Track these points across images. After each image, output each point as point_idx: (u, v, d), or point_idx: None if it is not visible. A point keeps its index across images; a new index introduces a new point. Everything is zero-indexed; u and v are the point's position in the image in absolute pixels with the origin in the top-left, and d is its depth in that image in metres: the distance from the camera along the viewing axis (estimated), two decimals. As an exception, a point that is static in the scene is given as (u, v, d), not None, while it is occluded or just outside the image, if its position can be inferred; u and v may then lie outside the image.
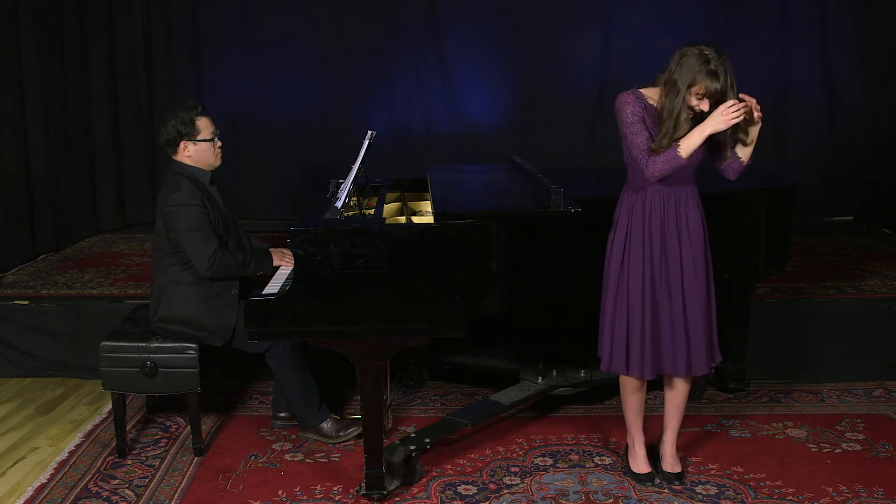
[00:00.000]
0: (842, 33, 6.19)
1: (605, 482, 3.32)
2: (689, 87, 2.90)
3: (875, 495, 3.21)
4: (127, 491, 3.29)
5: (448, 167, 4.56)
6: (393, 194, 4.05)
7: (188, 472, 3.43)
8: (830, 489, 3.25)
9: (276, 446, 3.64)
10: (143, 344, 3.46)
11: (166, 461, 3.52)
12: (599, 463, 3.47)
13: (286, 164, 6.39)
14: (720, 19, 6.17)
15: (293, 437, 3.70)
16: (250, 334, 3.06)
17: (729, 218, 3.64)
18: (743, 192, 3.76)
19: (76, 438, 3.75)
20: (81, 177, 5.96)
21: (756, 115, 2.98)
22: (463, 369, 4.17)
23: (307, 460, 3.51)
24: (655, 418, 3.48)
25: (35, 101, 5.43)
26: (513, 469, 3.43)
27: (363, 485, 3.21)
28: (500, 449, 3.60)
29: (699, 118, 2.96)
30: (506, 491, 3.26)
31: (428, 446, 3.39)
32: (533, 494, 3.23)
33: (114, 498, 3.24)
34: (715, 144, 3.05)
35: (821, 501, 3.17)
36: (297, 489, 3.28)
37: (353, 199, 3.54)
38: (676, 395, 3.29)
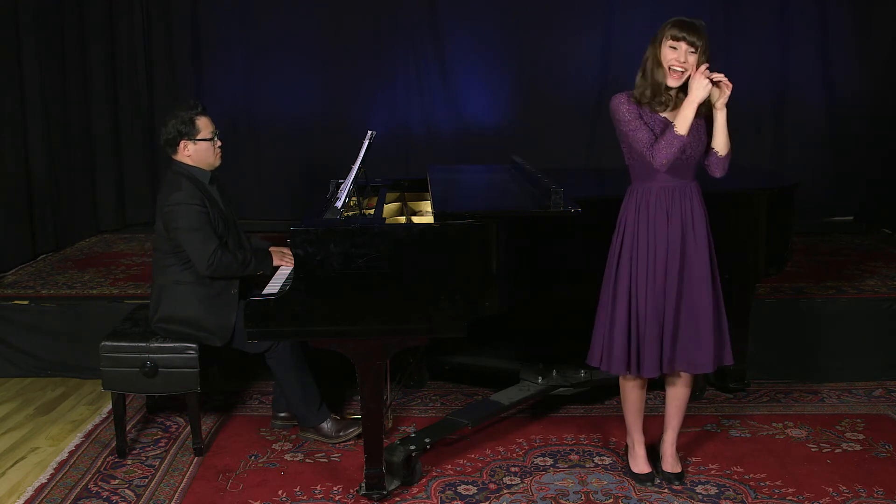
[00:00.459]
0: (842, 33, 6.19)
1: (605, 482, 3.32)
2: (663, 38, 2.96)
3: (875, 495, 3.21)
4: (127, 491, 3.29)
5: (448, 167, 4.56)
6: (393, 194, 4.05)
7: (188, 472, 3.43)
8: (830, 489, 3.25)
9: (276, 446, 3.64)
10: (143, 344, 3.46)
11: (166, 461, 3.52)
12: (599, 463, 3.47)
13: (286, 164, 6.39)
14: (720, 19, 6.17)
15: (293, 437, 3.70)
16: (250, 334, 3.06)
17: (729, 218, 3.64)
18: (743, 192, 3.76)
19: (76, 438, 3.75)
20: (81, 177, 5.96)
21: (723, 99, 2.97)
22: (463, 369, 4.17)
23: (307, 460, 3.51)
24: (655, 418, 3.48)
25: (35, 101, 5.43)
26: (513, 469, 3.43)
27: (363, 485, 3.21)
28: (500, 449, 3.60)
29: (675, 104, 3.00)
30: (506, 491, 3.26)
31: (428, 446, 3.39)
32: (533, 494, 3.23)
33: (114, 498, 3.24)
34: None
35: (821, 501, 3.17)
36: (297, 489, 3.28)
37: (353, 199, 3.54)
38: (677, 396, 3.28)
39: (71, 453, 3.60)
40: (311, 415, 3.61)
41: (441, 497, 3.22)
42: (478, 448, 3.60)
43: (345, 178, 3.56)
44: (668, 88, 2.99)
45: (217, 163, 3.56)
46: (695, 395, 3.92)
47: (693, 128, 3.00)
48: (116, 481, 3.37)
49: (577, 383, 3.83)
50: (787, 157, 6.29)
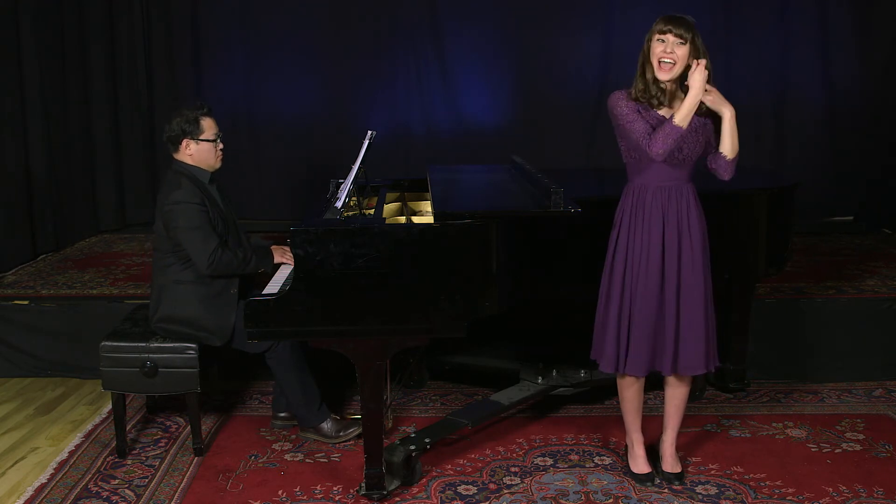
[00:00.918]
0: (842, 33, 6.19)
1: (605, 482, 3.32)
2: (652, 34, 2.99)
3: (875, 495, 3.21)
4: (127, 491, 3.29)
5: (448, 167, 4.55)
6: (393, 194, 4.05)
7: (188, 472, 3.42)
8: (830, 489, 3.25)
9: (276, 446, 3.64)
10: (143, 344, 3.46)
11: (166, 461, 3.52)
12: (599, 463, 3.47)
13: (286, 164, 6.39)
14: (720, 19, 6.17)
15: (293, 437, 3.70)
16: (250, 334, 3.06)
17: (729, 218, 3.65)
18: (743, 192, 3.76)
19: (76, 438, 3.75)
20: (81, 177, 5.96)
21: (717, 101, 3.00)
22: (463, 369, 4.17)
23: (307, 460, 3.51)
24: (655, 418, 3.48)
25: (35, 101, 5.43)
26: (513, 469, 3.43)
27: (363, 485, 3.21)
28: (500, 449, 3.60)
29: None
30: (506, 491, 3.26)
31: (428, 446, 3.39)
32: (533, 494, 3.23)
33: (114, 498, 3.24)
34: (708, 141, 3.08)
35: (821, 501, 3.17)
36: (297, 489, 3.28)
37: (353, 199, 3.54)
38: (676, 396, 3.28)
39: (71, 453, 3.60)
40: (311, 415, 3.61)
41: (441, 497, 3.22)
42: (478, 448, 3.60)
43: (345, 178, 3.56)
44: (659, 82, 3.00)
45: (217, 165, 3.57)
46: (695, 395, 3.93)
47: (692, 127, 3.01)
48: (116, 481, 3.37)
49: (577, 383, 3.83)
50: (787, 157, 6.29)
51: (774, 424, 3.82)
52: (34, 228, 5.44)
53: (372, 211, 3.59)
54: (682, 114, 2.95)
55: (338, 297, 3.01)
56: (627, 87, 3.09)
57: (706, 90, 2.97)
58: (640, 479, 3.31)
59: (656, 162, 3.03)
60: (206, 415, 3.87)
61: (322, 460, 3.51)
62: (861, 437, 3.69)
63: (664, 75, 2.98)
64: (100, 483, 3.35)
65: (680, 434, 3.38)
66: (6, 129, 5.21)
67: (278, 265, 3.65)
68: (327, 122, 6.34)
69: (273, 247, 3.71)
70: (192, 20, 6.34)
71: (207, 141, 3.50)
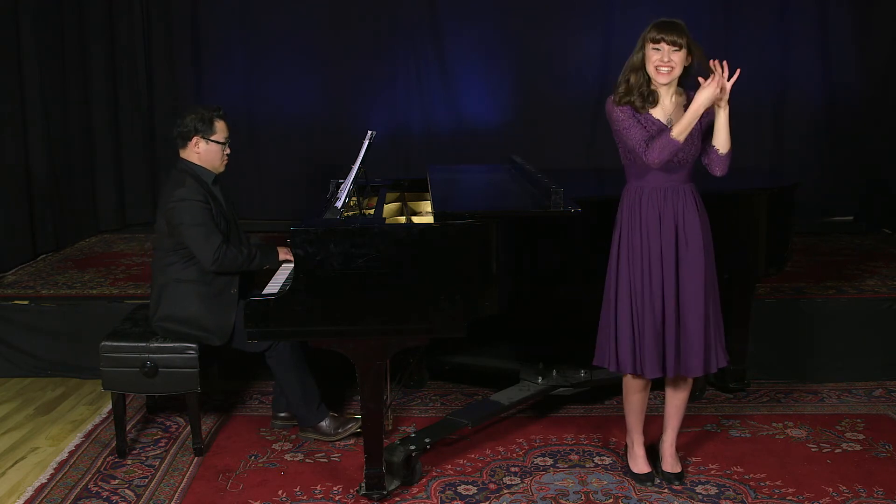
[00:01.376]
0: (842, 33, 6.19)
1: (605, 482, 3.32)
2: (645, 42, 3.01)
3: (875, 495, 3.21)
4: (127, 491, 3.29)
5: (448, 167, 4.56)
6: (393, 194, 4.05)
7: (188, 472, 3.43)
8: (830, 489, 3.25)
9: (276, 446, 3.64)
10: (143, 344, 3.46)
11: (166, 461, 3.52)
12: (599, 463, 3.47)
13: (286, 165, 6.39)
14: (720, 19, 6.17)
15: (293, 437, 3.70)
16: (250, 334, 3.06)
17: (729, 218, 3.64)
18: (743, 192, 3.76)
19: (76, 438, 3.75)
20: (81, 177, 5.96)
21: (725, 96, 3.00)
22: (463, 369, 4.16)
23: (307, 460, 3.51)
24: (655, 418, 3.48)
25: (35, 101, 5.43)
26: (513, 469, 3.43)
27: (363, 485, 3.21)
28: (500, 449, 3.60)
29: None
30: (506, 491, 3.26)
31: (428, 446, 3.39)
32: (533, 494, 3.23)
33: (114, 498, 3.24)
34: (708, 129, 3.08)
35: (821, 501, 3.17)
36: (297, 489, 3.28)
37: (353, 199, 3.54)
38: (677, 396, 3.28)
39: (71, 453, 3.60)
40: (311, 414, 3.61)
41: (441, 497, 3.22)
42: (478, 448, 3.60)
43: (345, 178, 3.56)
44: (650, 84, 3.03)
45: (222, 168, 3.60)
46: (695, 395, 3.93)
47: (689, 132, 3.02)
48: (116, 481, 3.37)
49: (577, 383, 3.83)
50: (787, 157, 6.29)
51: (774, 424, 3.82)
52: (34, 228, 5.44)
53: (372, 211, 3.59)
54: (680, 128, 2.96)
55: (338, 297, 3.01)
56: None
57: (723, 88, 2.97)
58: (640, 478, 3.31)
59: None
60: (206, 415, 3.87)
61: (322, 460, 3.51)
62: (861, 437, 3.69)
63: (663, 79, 3.00)
64: (100, 483, 3.35)
65: (680, 434, 3.38)
66: (6, 129, 5.21)
67: (283, 262, 3.65)
68: (327, 122, 6.34)
69: (280, 247, 3.72)
70: (192, 20, 6.34)
71: (217, 143, 3.53)
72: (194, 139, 3.51)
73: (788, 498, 3.20)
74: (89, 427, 3.86)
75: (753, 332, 4.14)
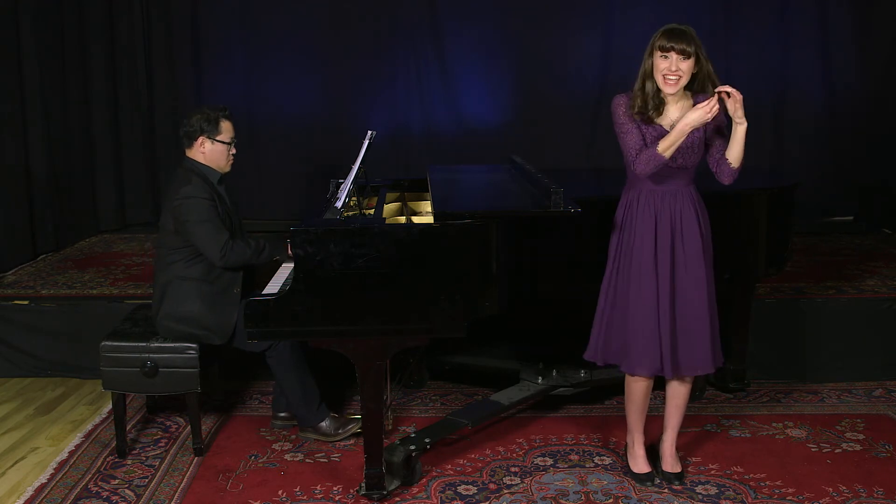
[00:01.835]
0: (842, 33, 6.19)
1: (605, 482, 3.32)
2: (653, 49, 2.99)
3: (875, 495, 3.21)
4: (127, 491, 3.29)
5: (448, 167, 4.56)
6: (393, 194, 4.05)
7: (188, 472, 3.43)
8: (830, 489, 3.25)
9: (276, 446, 3.64)
10: (144, 344, 3.46)
11: (166, 461, 3.52)
12: (599, 463, 3.47)
13: (286, 165, 6.38)
14: (720, 19, 6.17)
15: (293, 437, 3.70)
16: (250, 334, 3.06)
17: (729, 218, 3.64)
18: (743, 192, 3.76)
19: (76, 438, 3.75)
20: (81, 177, 5.96)
21: (739, 110, 2.97)
22: (463, 369, 4.16)
23: (307, 460, 3.51)
24: (656, 418, 3.48)
25: (35, 101, 5.43)
26: (513, 469, 3.43)
27: (363, 485, 3.21)
28: (500, 449, 3.60)
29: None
30: (506, 491, 3.26)
31: (428, 446, 3.39)
32: (533, 494, 3.23)
33: (114, 498, 3.24)
34: (710, 139, 3.08)
35: (821, 501, 3.17)
36: (297, 489, 3.28)
37: (353, 199, 3.54)
38: (677, 395, 3.29)
39: (71, 453, 3.60)
40: (311, 414, 3.61)
41: (441, 497, 3.22)
42: (478, 448, 3.60)
43: (345, 178, 3.56)
44: (660, 93, 3.02)
45: (227, 169, 3.62)
46: (695, 395, 3.92)
47: (691, 141, 3.02)
48: (116, 481, 3.37)
49: (577, 383, 3.83)
50: (787, 157, 6.29)
51: (774, 424, 3.82)
52: (34, 228, 5.44)
53: (372, 211, 3.59)
54: (666, 144, 2.97)
55: (338, 297, 3.01)
56: (628, 90, 3.09)
57: (735, 98, 2.95)
58: (640, 478, 3.31)
59: None
60: (206, 415, 3.87)
61: (322, 460, 3.51)
62: (861, 437, 3.69)
63: (671, 89, 3.00)
64: (100, 483, 3.35)
65: (680, 434, 3.38)
66: (6, 129, 5.21)
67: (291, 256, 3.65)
68: (327, 122, 6.33)
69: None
70: (192, 20, 6.34)
71: (223, 143, 3.55)
72: (200, 139, 3.53)
73: (788, 498, 3.20)
74: (89, 427, 3.86)
75: (753, 332, 4.14)
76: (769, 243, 3.86)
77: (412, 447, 3.32)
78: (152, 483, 3.34)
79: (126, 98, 6.29)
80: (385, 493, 3.19)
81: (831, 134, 6.30)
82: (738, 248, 3.75)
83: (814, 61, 6.25)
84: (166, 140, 6.34)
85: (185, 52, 6.36)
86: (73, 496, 3.25)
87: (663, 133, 3.01)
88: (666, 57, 2.97)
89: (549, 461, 3.49)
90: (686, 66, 2.97)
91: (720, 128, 3.08)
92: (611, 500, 3.19)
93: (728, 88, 2.95)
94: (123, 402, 3.55)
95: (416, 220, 3.54)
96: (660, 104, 3.03)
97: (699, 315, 3.08)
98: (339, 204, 3.37)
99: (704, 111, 2.93)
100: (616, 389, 3.82)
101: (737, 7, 6.22)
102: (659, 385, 3.36)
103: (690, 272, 3.08)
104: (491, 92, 6.37)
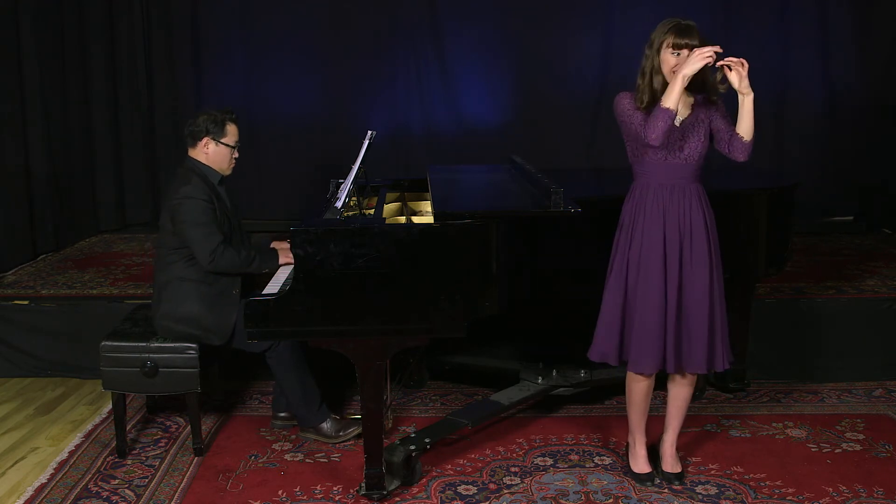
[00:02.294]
0: (842, 33, 6.19)
1: (605, 482, 3.32)
2: (662, 45, 2.99)
3: (875, 495, 3.21)
4: (127, 491, 3.29)
5: (448, 167, 4.56)
6: (393, 194, 4.05)
7: (188, 472, 3.43)
8: (830, 489, 3.25)
9: (276, 446, 3.64)
10: (144, 344, 3.46)
11: (166, 461, 3.52)
12: (599, 463, 3.47)
13: (286, 165, 6.38)
14: (720, 19, 6.17)
15: (293, 437, 3.70)
16: (250, 334, 3.06)
17: (729, 218, 3.63)
18: (743, 192, 3.76)
19: (76, 438, 3.75)
20: (81, 177, 5.97)
21: (745, 80, 2.94)
22: (463, 369, 4.17)
23: (307, 460, 3.51)
24: (656, 418, 3.48)
25: (35, 101, 5.43)
26: (513, 469, 3.43)
27: (363, 485, 3.21)
28: (500, 449, 3.60)
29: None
30: (506, 491, 3.26)
31: (428, 446, 3.39)
32: (533, 494, 3.23)
33: (114, 498, 3.24)
34: (701, 84, 3.02)
35: (821, 501, 3.17)
36: (297, 489, 3.28)
37: (353, 199, 3.54)
38: (679, 396, 3.29)
39: (71, 453, 3.60)
40: (311, 415, 3.61)
41: (441, 497, 3.22)
42: (478, 448, 3.60)
43: (345, 178, 3.56)
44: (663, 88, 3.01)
45: (228, 171, 3.64)
46: (695, 396, 3.91)
47: (693, 129, 3.02)
48: (116, 481, 3.37)
49: (577, 383, 3.83)
50: (787, 157, 6.28)
51: (774, 424, 3.82)
52: (34, 228, 5.44)
53: (372, 211, 3.60)
54: (669, 94, 2.92)
55: (338, 297, 3.01)
56: (627, 88, 3.10)
57: (740, 65, 2.93)
58: (641, 478, 3.31)
59: (658, 161, 3.04)
60: (206, 415, 3.87)
61: (322, 460, 3.51)
62: (861, 437, 3.70)
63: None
64: (100, 483, 3.35)
65: (680, 434, 3.38)
66: (6, 129, 5.21)
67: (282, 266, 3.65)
68: (327, 122, 6.33)
69: (275, 244, 3.72)
70: (192, 20, 6.34)
71: (227, 146, 3.57)
72: (204, 140, 3.54)
73: (788, 498, 3.20)
74: (89, 427, 3.86)
75: (753, 332, 4.14)
76: (769, 243, 3.87)
77: (412, 447, 3.32)
78: (152, 483, 3.34)
79: (126, 98, 6.29)
80: (385, 493, 3.20)
81: (831, 134, 6.30)
82: (738, 248, 3.74)
83: (814, 61, 6.25)
84: (166, 140, 6.34)
85: (185, 52, 6.36)
86: (73, 496, 3.25)
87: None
88: (677, 53, 2.97)
89: (549, 461, 3.49)
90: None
91: (724, 117, 3.08)
92: (611, 500, 3.19)
93: (731, 60, 2.94)
94: (123, 402, 3.55)
95: (416, 220, 3.54)
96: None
97: (703, 312, 3.08)
98: (339, 204, 3.37)
99: (703, 54, 2.89)
100: (616, 389, 3.82)
101: (737, 7, 6.22)
102: (660, 385, 3.36)
103: (696, 269, 3.07)
104: (491, 92, 6.37)
